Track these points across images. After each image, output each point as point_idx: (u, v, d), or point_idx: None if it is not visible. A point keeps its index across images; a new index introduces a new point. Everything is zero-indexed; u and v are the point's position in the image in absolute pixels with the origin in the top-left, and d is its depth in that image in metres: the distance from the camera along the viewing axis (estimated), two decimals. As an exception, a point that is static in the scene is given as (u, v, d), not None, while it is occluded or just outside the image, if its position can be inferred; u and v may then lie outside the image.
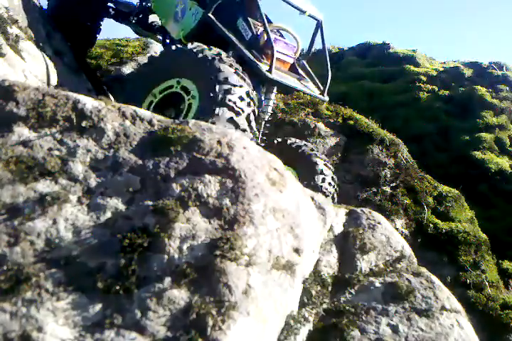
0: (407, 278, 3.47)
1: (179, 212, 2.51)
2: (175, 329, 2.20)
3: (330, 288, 3.37)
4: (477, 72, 14.27)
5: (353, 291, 3.38)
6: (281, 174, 3.03)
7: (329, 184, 6.01)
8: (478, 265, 7.67)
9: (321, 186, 5.88)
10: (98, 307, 2.22)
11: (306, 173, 6.01)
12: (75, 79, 6.46)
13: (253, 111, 4.67)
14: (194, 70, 4.72)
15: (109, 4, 7.42)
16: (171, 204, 2.51)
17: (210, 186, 2.66)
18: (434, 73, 14.17)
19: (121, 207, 2.54)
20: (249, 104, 4.63)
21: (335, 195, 6.08)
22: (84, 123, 2.76)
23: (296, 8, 5.67)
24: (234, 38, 5.32)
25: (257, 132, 5.62)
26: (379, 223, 3.82)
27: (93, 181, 2.60)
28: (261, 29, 5.54)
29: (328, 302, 3.29)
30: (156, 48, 9.91)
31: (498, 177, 10.73)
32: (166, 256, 2.40)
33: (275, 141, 6.46)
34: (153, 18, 7.27)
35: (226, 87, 4.48)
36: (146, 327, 2.19)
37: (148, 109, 4.81)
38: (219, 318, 2.24)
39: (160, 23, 7.01)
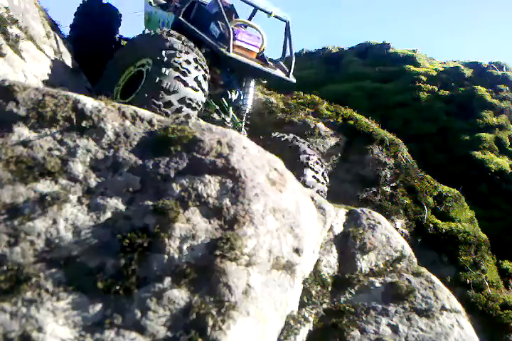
0: (407, 278, 3.47)
1: (179, 212, 2.51)
2: (175, 329, 2.20)
3: (330, 288, 3.37)
4: (477, 72, 14.28)
5: (353, 291, 3.38)
6: (281, 174, 3.03)
7: (317, 180, 6.13)
8: (478, 265, 7.66)
9: (306, 181, 5.98)
10: (98, 307, 2.22)
11: (295, 169, 6.08)
12: (75, 79, 6.45)
13: (203, 76, 5.24)
14: (149, 48, 5.46)
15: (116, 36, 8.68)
16: (171, 204, 2.51)
17: (210, 186, 2.66)
18: (434, 73, 14.18)
19: (121, 207, 2.53)
20: (197, 68, 5.20)
21: (325, 191, 6.23)
22: (84, 123, 2.76)
23: (262, 10, 6.37)
24: (200, 32, 6.10)
25: (239, 124, 6.29)
26: (379, 223, 3.82)
27: (93, 181, 2.60)
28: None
29: (328, 302, 3.29)
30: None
31: (498, 177, 10.73)
32: (166, 256, 2.40)
33: (272, 135, 6.74)
34: None
35: (171, 51, 5.15)
36: (146, 327, 2.19)
37: (115, 97, 5.56)
38: (219, 318, 2.24)
39: None
